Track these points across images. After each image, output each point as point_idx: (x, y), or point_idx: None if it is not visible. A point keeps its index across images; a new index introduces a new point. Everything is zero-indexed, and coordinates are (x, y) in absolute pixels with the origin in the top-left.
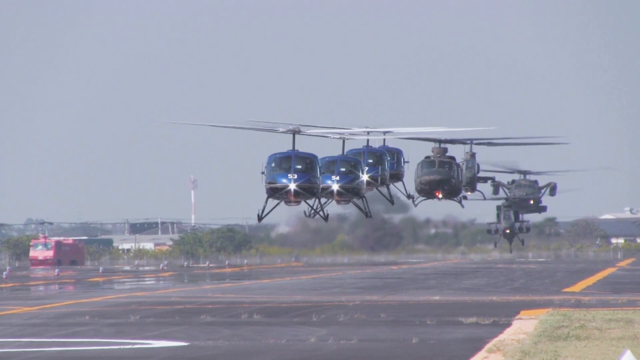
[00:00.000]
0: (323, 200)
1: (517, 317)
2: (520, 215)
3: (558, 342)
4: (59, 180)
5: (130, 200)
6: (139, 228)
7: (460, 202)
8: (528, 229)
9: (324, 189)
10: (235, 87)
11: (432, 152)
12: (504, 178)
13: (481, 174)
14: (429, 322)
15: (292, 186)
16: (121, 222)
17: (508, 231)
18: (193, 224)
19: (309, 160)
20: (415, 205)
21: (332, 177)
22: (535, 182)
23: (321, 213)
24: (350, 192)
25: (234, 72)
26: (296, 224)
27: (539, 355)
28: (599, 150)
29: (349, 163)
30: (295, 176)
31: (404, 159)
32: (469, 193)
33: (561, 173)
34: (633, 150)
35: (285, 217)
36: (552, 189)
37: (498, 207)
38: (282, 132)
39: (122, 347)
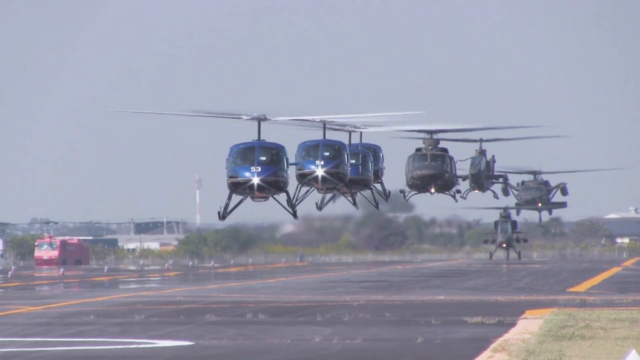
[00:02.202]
0: (305, 189)
1: (522, 316)
2: (532, 216)
3: (563, 342)
4: (64, 180)
5: (135, 200)
6: (144, 228)
7: (454, 196)
8: (525, 240)
9: (305, 175)
10: (232, 82)
11: (424, 144)
12: (514, 179)
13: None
14: (433, 321)
15: (256, 180)
16: (126, 222)
17: (504, 245)
18: (198, 224)
19: (274, 151)
20: (406, 200)
21: (316, 162)
22: (545, 183)
23: (292, 209)
24: (335, 178)
25: (230, 67)
26: (301, 223)
27: (544, 355)
28: (602, 150)
29: (332, 147)
30: (259, 169)
31: (382, 156)
32: (477, 191)
33: (571, 173)
34: (638, 150)
35: (290, 216)
36: (563, 190)
37: (496, 223)
38: (247, 119)
39: (126, 346)
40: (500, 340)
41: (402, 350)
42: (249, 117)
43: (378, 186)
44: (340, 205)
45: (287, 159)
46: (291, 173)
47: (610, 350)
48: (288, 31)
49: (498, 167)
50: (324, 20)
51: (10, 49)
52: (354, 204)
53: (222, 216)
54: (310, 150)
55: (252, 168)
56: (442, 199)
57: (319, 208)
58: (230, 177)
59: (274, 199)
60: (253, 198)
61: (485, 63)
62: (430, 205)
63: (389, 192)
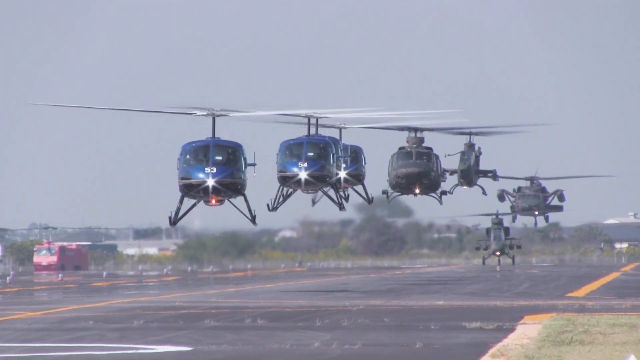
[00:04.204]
0: (287, 190)
1: (521, 322)
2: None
3: (562, 347)
4: (63, 185)
5: (134, 205)
6: (143, 233)
7: (439, 198)
8: (519, 247)
9: (288, 178)
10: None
11: (407, 142)
12: (510, 184)
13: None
14: (432, 326)
15: (211, 182)
16: (125, 228)
17: (498, 253)
18: (197, 229)
19: (231, 150)
20: (389, 202)
21: (299, 163)
22: (542, 189)
23: (251, 215)
24: (320, 181)
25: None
26: (300, 228)
27: None
28: (601, 154)
29: (317, 146)
30: (215, 170)
31: (364, 158)
32: (465, 188)
33: (569, 179)
34: (637, 155)
35: (289, 221)
36: (560, 197)
37: (487, 230)
38: (199, 115)
39: (125, 352)
40: (499, 345)
41: (401, 356)
42: (203, 113)
43: (360, 189)
44: (340, 211)
45: (245, 159)
46: (264, 171)
47: (609, 356)
48: (270, 26)
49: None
50: (308, 14)
51: (8, 48)
52: (341, 206)
53: (173, 222)
54: (294, 149)
55: (206, 169)
56: (452, 201)
57: (272, 208)
58: (182, 178)
59: (231, 203)
60: (207, 202)
61: (482, 62)
62: (430, 210)
63: (372, 197)
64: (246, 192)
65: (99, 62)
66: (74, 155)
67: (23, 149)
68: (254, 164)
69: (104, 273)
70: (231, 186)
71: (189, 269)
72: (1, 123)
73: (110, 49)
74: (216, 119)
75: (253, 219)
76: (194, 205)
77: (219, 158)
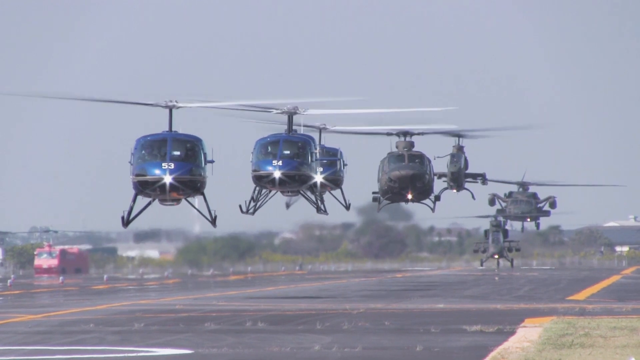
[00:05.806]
0: (265, 192)
1: (522, 325)
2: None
3: (562, 350)
4: (63, 188)
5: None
6: (143, 236)
7: (433, 204)
8: (518, 249)
9: (262, 177)
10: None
11: (397, 146)
12: (501, 189)
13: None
14: (433, 330)
15: (168, 179)
16: (126, 231)
17: (497, 256)
18: (197, 232)
19: (189, 145)
20: (379, 210)
21: (274, 162)
22: (534, 195)
23: (210, 217)
24: (295, 181)
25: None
26: (300, 231)
27: None
28: (602, 157)
29: (294, 144)
30: (172, 166)
31: (343, 161)
32: (455, 191)
33: (563, 186)
34: (637, 158)
35: (289, 224)
36: (552, 204)
37: (486, 232)
38: (153, 105)
39: (126, 355)
40: (499, 348)
41: (402, 359)
42: (159, 104)
43: (338, 194)
44: (341, 214)
45: (204, 154)
46: (239, 170)
47: (610, 359)
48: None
49: (487, 174)
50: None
51: (8, 46)
52: (319, 208)
53: (126, 222)
54: (269, 147)
55: (163, 164)
56: (442, 206)
57: (246, 211)
58: (137, 175)
59: (188, 202)
60: (163, 201)
61: (480, 63)
62: (429, 213)
63: (349, 203)
64: (236, 193)
65: (89, 60)
66: (74, 158)
67: (23, 151)
68: (212, 161)
69: (105, 276)
70: (190, 184)
71: (189, 272)
72: (1, 125)
73: (100, 43)
74: (185, 112)
75: (213, 221)
76: (148, 204)
77: (176, 153)
